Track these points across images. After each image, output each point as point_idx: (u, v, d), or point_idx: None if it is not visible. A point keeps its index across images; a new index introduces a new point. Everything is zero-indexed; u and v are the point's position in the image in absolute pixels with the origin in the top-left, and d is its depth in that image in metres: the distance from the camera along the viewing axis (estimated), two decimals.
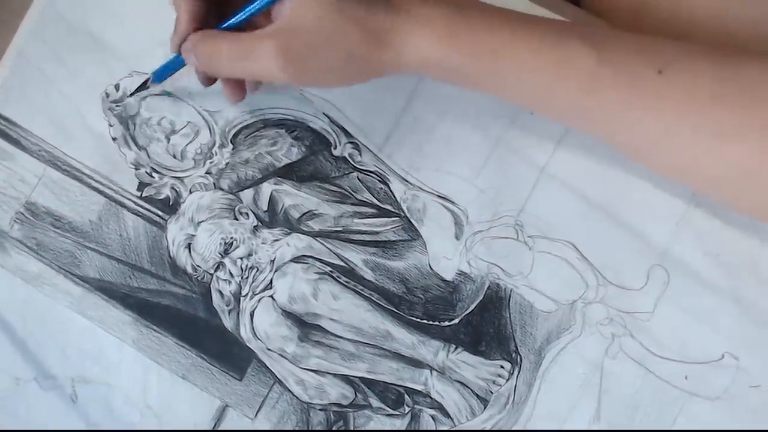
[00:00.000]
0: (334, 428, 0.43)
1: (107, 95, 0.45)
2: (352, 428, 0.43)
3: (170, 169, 0.44)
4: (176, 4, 0.37)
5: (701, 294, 0.42)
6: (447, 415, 0.43)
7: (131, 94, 0.43)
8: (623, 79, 0.35)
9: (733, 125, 0.34)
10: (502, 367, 0.42)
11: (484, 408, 0.42)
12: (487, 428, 0.42)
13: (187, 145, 0.44)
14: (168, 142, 0.44)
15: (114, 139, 0.45)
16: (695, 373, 0.41)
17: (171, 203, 0.44)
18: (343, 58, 0.34)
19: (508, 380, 0.42)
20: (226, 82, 0.40)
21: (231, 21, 0.36)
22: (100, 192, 0.44)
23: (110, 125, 0.45)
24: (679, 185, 0.42)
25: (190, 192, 0.44)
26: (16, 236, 0.45)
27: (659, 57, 0.35)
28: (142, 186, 0.44)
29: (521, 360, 0.42)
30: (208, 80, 0.40)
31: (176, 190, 0.44)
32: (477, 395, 0.42)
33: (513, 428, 0.42)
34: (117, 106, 0.45)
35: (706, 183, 0.37)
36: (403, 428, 0.43)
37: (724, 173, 0.35)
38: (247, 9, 0.36)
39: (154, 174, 0.44)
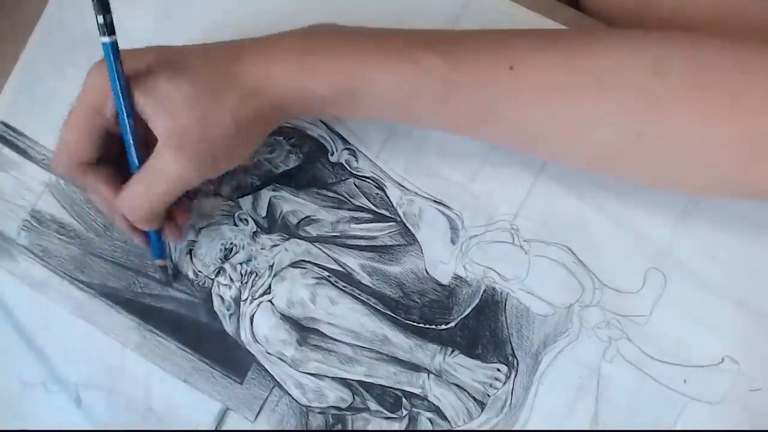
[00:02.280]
0: (333, 430, 0.43)
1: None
2: (350, 430, 0.43)
3: None
4: (93, 190, 0.39)
5: (699, 297, 0.41)
6: (444, 418, 0.43)
7: (167, 282, 0.45)
8: (476, 82, 0.35)
9: (592, 112, 0.35)
10: (498, 370, 0.43)
11: (482, 411, 0.43)
12: (485, 429, 0.43)
13: None
14: None
15: None
16: (694, 376, 0.41)
17: None
18: (234, 125, 0.35)
19: (504, 383, 0.43)
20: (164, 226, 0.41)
21: (132, 163, 0.37)
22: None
23: None
24: None
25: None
26: (22, 243, 0.46)
27: (510, 53, 0.35)
28: None
29: (518, 363, 0.43)
30: (175, 233, 0.42)
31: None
32: (474, 398, 0.43)
33: (510, 429, 0.42)
34: None
35: (576, 164, 0.39)
36: (402, 430, 0.43)
37: (590, 156, 0.37)
38: (128, 142, 0.37)
39: None
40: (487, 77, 0.35)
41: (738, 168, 0.34)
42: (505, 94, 0.35)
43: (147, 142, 0.36)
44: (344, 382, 0.44)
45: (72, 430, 0.44)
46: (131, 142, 0.37)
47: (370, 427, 0.43)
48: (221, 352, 0.44)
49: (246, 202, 0.45)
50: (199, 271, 0.44)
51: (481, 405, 0.43)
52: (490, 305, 0.43)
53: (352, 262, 0.44)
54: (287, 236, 0.44)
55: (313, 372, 0.44)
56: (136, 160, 0.37)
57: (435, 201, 0.43)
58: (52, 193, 0.46)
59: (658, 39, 0.35)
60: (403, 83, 0.36)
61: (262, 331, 0.44)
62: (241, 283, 0.44)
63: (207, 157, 0.35)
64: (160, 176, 0.35)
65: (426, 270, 0.43)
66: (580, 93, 0.35)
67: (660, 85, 0.34)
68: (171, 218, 0.41)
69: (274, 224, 0.44)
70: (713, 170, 0.35)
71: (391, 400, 0.43)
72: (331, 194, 0.44)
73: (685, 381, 0.41)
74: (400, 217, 0.44)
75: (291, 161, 0.44)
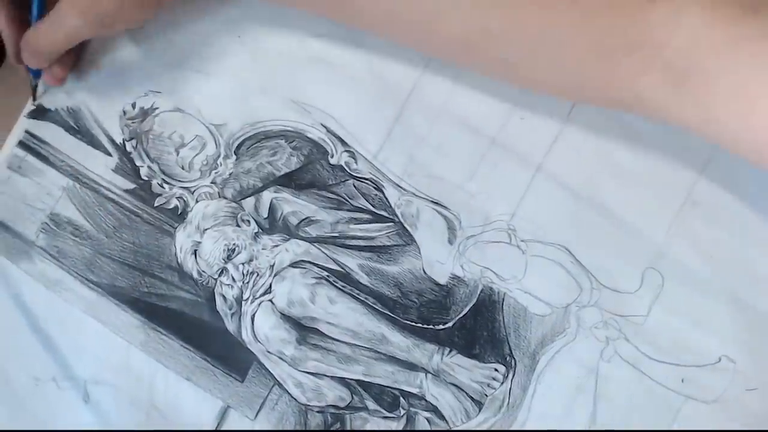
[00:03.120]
0: (331, 429, 0.44)
1: (125, 113, 0.48)
2: (348, 429, 0.43)
3: (179, 180, 0.47)
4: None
5: (696, 296, 0.41)
6: (442, 417, 0.43)
7: (33, 99, 0.49)
8: None
9: (436, 3, 0.35)
10: (496, 370, 0.43)
11: (479, 411, 0.43)
12: (483, 429, 0.42)
13: (194, 157, 0.47)
14: (177, 155, 0.47)
15: (129, 153, 0.48)
16: (691, 376, 0.41)
17: (179, 212, 0.46)
18: None
19: (502, 383, 0.43)
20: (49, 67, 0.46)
21: (35, 13, 0.43)
22: (116, 203, 0.47)
23: (126, 140, 0.48)
24: (674, 185, 0.42)
25: (197, 201, 0.46)
26: (40, 245, 0.48)
27: None
28: (154, 195, 0.47)
29: (516, 363, 0.43)
30: (54, 78, 0.47)
31: (184, 200, 0.47)
32: (472, 398, 0.43)
33: (508, 429, 0.42)
34: (132, 122, 0.48)
35: (435, 53, 0.41)
36: (399, 429, 0.43)
37: (444, 48, 0.38)
38: None
39: (164, 185, 0.47)
40: None
41: (587, 69, 0.34)
42: None
43: None
44: (343, 381, 0.44)
45: (73, 430, 0.45)
46: None
47: (368, 427, 0.43)
48: (223, 350, 0.45)
49: (248, 203, 0.46)
50: (203, 271, 0.46)
51: (479, 405, 0.43)
52: (488, 305, 0.43)
53: (351, 262, 0.45)
54: (288, 237, 0.45)
55: (312, 371, 0.44)
56: (36, 12, 0.43)
57: (432, 201, 0.44)
58: (68, 197, 0.48)
59: None
60: None
61: (262, 331, 0.45)
62: (243, 282, 0.45)
63: (98, 17, 0.40)
64: (58, 27, 0.41)
65: (423, 270, 0.44)
66: None
67: None
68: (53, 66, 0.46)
69: (275, 225, 0.46)
70: (562, 71, 0.35)
71: (389, 399, 0.44)
72: (330, 195, 0.45)
73: (682, 380, 0.41)
74: (398, 217, 0.45)
75: (292, 163, 0.46)
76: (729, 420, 0.40)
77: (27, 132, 0.49)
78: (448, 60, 0.41)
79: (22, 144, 0.49)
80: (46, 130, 0.48)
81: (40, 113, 0.48)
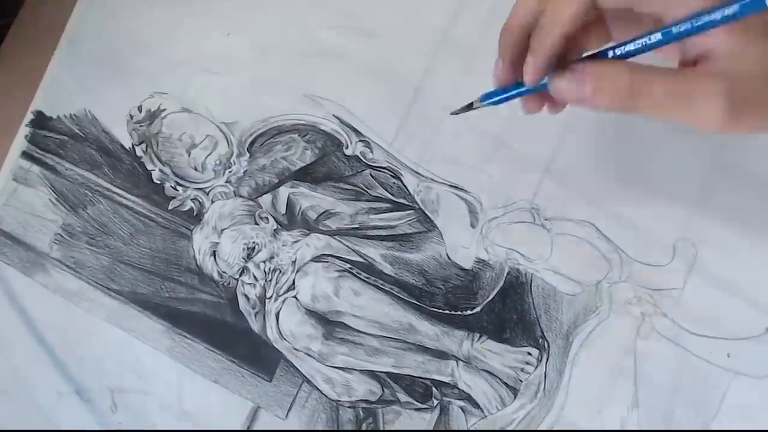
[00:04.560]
0: (363, 427, 0.43)
1: (131, 117, 0.47)
2: (381, 427, 0.42)
3: (193, 181, 0.46)
4: (555, 20, 0.30)
5: (734, 264, 0.40)
6: (477, 405, 0.42)
7: (455, 113, 0.35)
8: None
9: None
10: (529, 353, 0.42)
11: (515, 397, 0.41)
12: (519, 417, 0.41)
13: (206, 157, 0.46)
14: (189, 156, 0.46)
15: (140, 157, 0.47)
16: (738, 350, 0.39)
17: (195, 214, 0.46)
18: None
19: (536, 367, 0.41)
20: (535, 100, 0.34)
21: (629, 48, 0.29)
22: (129, 208, 0.47)
23: (136, 145, 0.47)
24: (699, 152, 0.40)
25: (212, 201, 0.45)
26: (55, 257, 0.47)
27: None
28: (168, 199, 0.46)
29: (549, 346, 0.41)
30: (556, 108, 0.34)
31: (199, 201, 0.46)
32: (506, 384, 0.42)
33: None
34: (140, 126, 0.47)
35: None
36: (433, 422, 0.42)
37: None
38: (653, 36, 0.28)
39: (178, 187, 0.46)
40: None
41: None
42: None
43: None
44: (372, 374, 0.43)
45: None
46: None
47: (401, 419, 0.42)
48: (249, 350, 0.44)
49: (265, 200, 0.45)
50: (224, 272, 0.45)
51: (514, 391, 0.42)
52: (516, 287, 0.42)
53: (373, 252, 0.44)
54: (307, 231, 0.44)
55: (340, 366, 0.43)
56: (636, 47, 0.29)
57: (451, 186, 0.43)
58: (80, 206, 0.47)
59: None
60: None
61: (288, 328, 0.44)
62: (265, 281, 0.44)
63: (754, 121, 0.28)
64: (686, 100, 0.28)
65: (448, 256, 0.43)
66: None
67: None
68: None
69: (293, 220, 0.45)
70: None
71: (420, 390, 0.43)
72: (348, 187, 0.44)
73: (728, 355, 0.39)
74: (418, 204, 0.43)
75: (307, 157, 0.45)
76: None
77: (30, 142, 0.48)
78: None
79: (25, 154, 0.48)
80: (50, 139, 0.48)
81: (41, 122, 0.48)
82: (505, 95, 0.33)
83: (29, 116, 0.48)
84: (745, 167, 0.40)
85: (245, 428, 0.44)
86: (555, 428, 0.41)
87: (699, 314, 0.40)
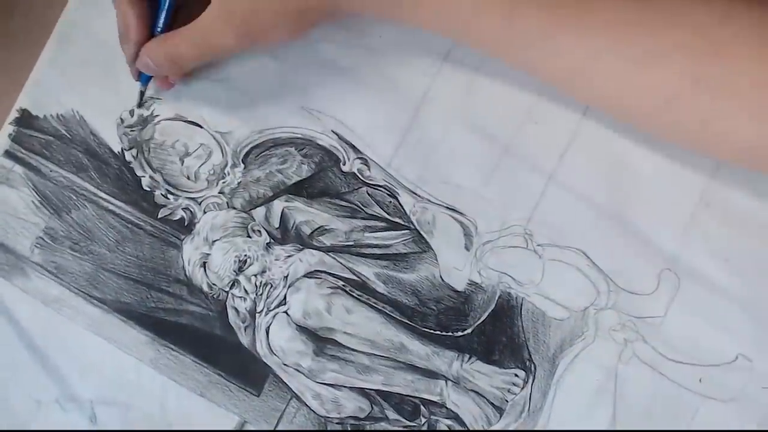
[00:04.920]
0: None
1: (122, 121, 0.46)
2: None
3: (185, 190, 0.45)
4: (124, 13, 0.41)
5: (712, 296, 0.42)
6: (463, 424, 0.43)
7: (138, 105, 0.46)
8: (545, 7, 0.35)
9: (653, 49, 0.34)
10: (516, 375, 0.43)
11: (500, 417, 0.43)
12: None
13: (200, 166, 0.45)
14: (182, 164, 0.45)
15: (129, 163, 0.46)
16: (709, 375, 0.41)
17: (186, 223, 0.45)
18: (283, 9, 0.37)
19: (522, 389, 0.43)
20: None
21: (162, 21, 0.42)
22: (116, 215, 0.45)
23: (125, 149, 0.46)
24: (687, 188, 0.42)
25: (204, 212, 0.45)
26: (36, 261, 0.46)
27: None
28: (157, 207, 0.45)
29: (535, 368, 0.43)
30: (167, 83, 0.45)
31: (191, 211, 0.45)
32: (492, 404, 0.43)
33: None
34: (132, 131, 0.46)
35: (630, 112, 0.37)
36: None
37: (646, 101, 0.35)
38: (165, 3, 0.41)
39: (169, 195, 0.45)
40: (555, 4, 0.34)
41: None
42: (572, 24, 0.35)
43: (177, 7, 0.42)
44: (362, 391, 0.43)
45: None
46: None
47: None
48: (237, 365, 0.44)
49: (259, 213, 0.45)
50: (214, 284, 0.44)
51: (500, 411, 0.43)
52: (506, 310, 0.43)
53: (367, 270, 0.44)
54: (301, 246, 0.44)
55: (330, 382, 0.44)
56: (163, 21, 0.42)
57: (448, 207, 0.44)
58: (63, 209, 0.46)
59: None
60: None
61: (278, 343, 0.44)
62: (256, 294, 0.44)
63: (250, 35, 0.39)
64: (206, 41, 0.39)
65: (441, 277, 0.44)
66: (651, 27, 0.34)
67: (724, 33, 0.33)
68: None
69: (287, 235, 0.45)
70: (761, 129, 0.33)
71: (409, 408, 0.43)
72: (344, 203, 0.44)
73: (700, 380, 0.42)
74: (413, 224, 0.44)
75: (303, 171, 0.45)
76: (746, 418, 0.40)
77: (14, 141, 0.46)
78: (638, 122, 0.39)
79: (8, 154, 0.46)
80: (35, 139, 0.46)
81: (27, 120, 0.46)
82: (144, 79, 0.44)
83: (14, 114, 0.46)
84: (730, 203, 0.42)
85: None
86: None
87: (677, 342, 0.42)
